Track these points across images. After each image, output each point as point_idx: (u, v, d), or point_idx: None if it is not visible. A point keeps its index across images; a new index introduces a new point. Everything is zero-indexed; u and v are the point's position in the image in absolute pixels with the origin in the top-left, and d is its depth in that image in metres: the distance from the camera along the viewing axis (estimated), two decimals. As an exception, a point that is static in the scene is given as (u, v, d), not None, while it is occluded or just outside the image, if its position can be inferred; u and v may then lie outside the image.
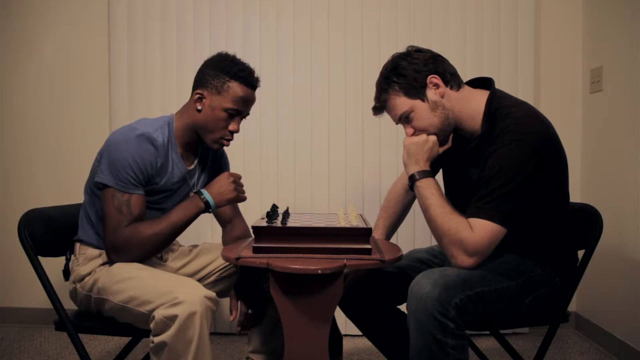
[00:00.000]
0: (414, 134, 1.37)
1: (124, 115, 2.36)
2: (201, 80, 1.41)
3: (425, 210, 1.28)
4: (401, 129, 1.42)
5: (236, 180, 1.40)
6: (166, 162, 1.40)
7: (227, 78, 1.38)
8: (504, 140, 1.22)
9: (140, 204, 1.34)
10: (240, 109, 1.40)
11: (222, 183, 1.37)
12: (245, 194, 1.43)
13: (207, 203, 1.35)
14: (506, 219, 1.19)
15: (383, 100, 1.38)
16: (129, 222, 1.30)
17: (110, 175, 1.31)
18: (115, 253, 1.31)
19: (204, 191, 1.36)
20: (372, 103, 1.44)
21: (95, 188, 1.38)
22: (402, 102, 1.34)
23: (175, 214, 1.34)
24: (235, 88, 1.38)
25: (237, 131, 1.42)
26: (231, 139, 1.44)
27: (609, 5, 2.20)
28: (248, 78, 1.39)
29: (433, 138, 1.35)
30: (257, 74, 1.43)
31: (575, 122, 2.41)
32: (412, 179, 1.33)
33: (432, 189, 1.28)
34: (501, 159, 1.21)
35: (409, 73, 1.32)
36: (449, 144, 1.40)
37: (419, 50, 1.37)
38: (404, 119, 1.37)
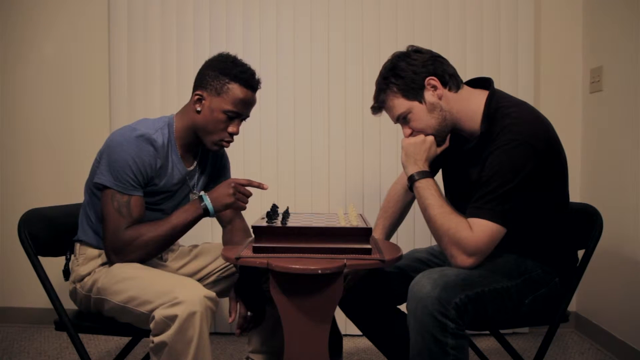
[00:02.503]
0: (411, 135, 1.37)
1: (124, 115, 2.36)
2: (201, 81, 1.40)
3: (424, 211, 1.28)
4: (401, 129, 1.42)
5: (237, 186, 1.34)
6: (166, 163, 1.39)
7: (227, 80, 1.37)
8: (503, 140, 1.22)
9: (140, 206, 1.34)
10: (240, 111, 1.40)
11: (221, 188, 1.35)
12: (245, 203, 1.37)
13: (205, 209, 1.34)
14: (505, 219, 1.19)
15: (381, 100, 1.39)
16: (129, 224, 1.30)
17: (109, 176, 1.31)
18: (116, 255, 1.31)
19: (204, 196, 1.36)
20: (372, 103, 1.45)
21: (94, 188, 1.38)
22: (400, 103, 1.35)
23: (176, 217, 1.34)
24: (235, 90, 1.37)
25: (236, 133, 1.42)
26: (231, 141, 1.43)
27: (609, 5, 2.20)
28: (248, 80, 1.39)
29: (431, 138, 1.35)
30: (258, 75, 1.42)
31: (575, 122, 2.40)
32: (411, 180, 1.33)
33: (431, 189, 1.29)
34: (500, 158, 1.21)
35: (407, 75, 1.32)
36: (447, 144, 1.40)
37: (418, 51, 1.36)
38: (402, 120, 1.37)
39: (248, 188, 1.36)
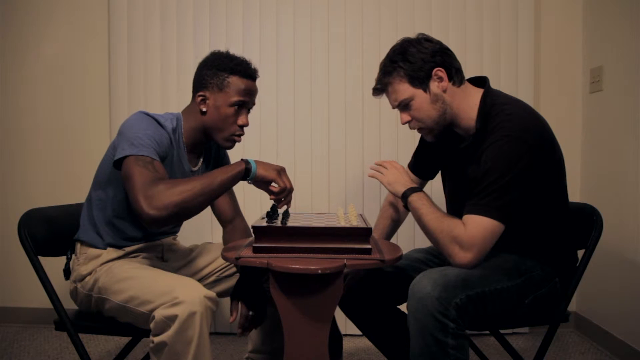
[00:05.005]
0: (409, 122, 1.38)
1: (124, 115, 2.36)
2: (200, 82, 1.41)
3: (419, 220, 1.31)
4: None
5: (284, 172, 1.31)
6: (172, 155, 1.39)
7: (226, 74, 1.38)
8: (496, 136, 1.23)
9: (165, 171, 1.26)
10: (245, 100, 1.40)
11: (270, 163, 1.31)
12: (276, 191, 1.30)
13: (248, 169, 1.26)
14: (501, 214, 1.19)
15: (385, 83, 1.38)
16: (159, 178, 1.20)
17: (130, 147, 1.24)
18: (148, 200, 1.14)
19: (250, 159, 1.29)
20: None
21: (101, 184, 1.37)
22: (404, 89, 1.34)
23: (215, 171, 1.25)
24: (236, 82, 1.38)
25: (246, 124, 1.42)
26: (242, 134, 1.44)
27: (609, 5, 2.20)
28: (246, 70, 1.40)
29: (401, 166, 1.46)
30: (254, 65, 1.43)
31: (575, 122, 2.40)
32: (404, 197, 1.36)
33: (422, 200, 1.32)
34: (494, 154, 1.22)
35: (416, 61, 1.32)
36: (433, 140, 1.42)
37: (429, 40, 1.36)
38: (403, 106, 1.37)
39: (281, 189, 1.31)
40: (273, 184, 1.31)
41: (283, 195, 1.31)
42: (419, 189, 1.37)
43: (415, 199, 1.33)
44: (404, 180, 1.41)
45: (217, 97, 1.38)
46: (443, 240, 1.23)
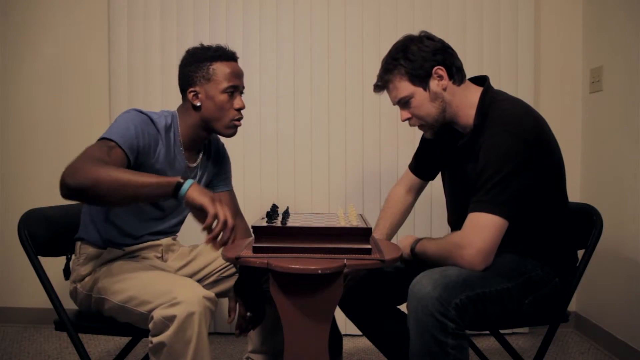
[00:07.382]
0: (409, 119, 1.39)
1: (124, 115, 2.36)
2: (187, 80, 1.43)
3: (427, 259, 1.33)
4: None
5: (219, 201, 1.13)
6: (169, 151, 1.39)
7: (208, 63, 1.40)
8: (491, 131, 1.24)
9: (121, 161, 1.23)
10: (236, 84, 1.42)
11: (209, 192, 1.16)
12: (205, 221, 1.11)
13: (179, 186, 1.13)
14: (504, 209, 1.20)
15: (386, 80, 1.38)
16: (103, 161, 1.16)
17: (108, 132, 1.25)
18: (68, 170, 1.11)
19: (191, 180, 1.16)
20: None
21: None
22: (404, 87, 1.35)
23: (145, 174, 1.19)
24: (221, 67, 1.40)
25: (243, 107, 1.43)
26: (241, 117, 1.45)
27: (609, 5, 2.19)
28: (225, 54, 1.42)
29: (408, 241, 1.43)
30: (230, 48, 1.45)
31: (575, 122, 2.40)
32: (412, 250, 1.39)
33: (422, 241, 1.37)
34: (489, 149, 1.23)
35: (417, 59, 1.33)
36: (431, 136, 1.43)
37: (430, 38, 1.37)
38: (403, 103, 1.38)
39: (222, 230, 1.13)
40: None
41: (216, 226, 1.11)
42: (419, 239, 1.40)
43: (419, 247, 1.37)
44: (409, 243, 1.42)
45: (207, 88, 1.40)
46: (447, 253, 1.25)
